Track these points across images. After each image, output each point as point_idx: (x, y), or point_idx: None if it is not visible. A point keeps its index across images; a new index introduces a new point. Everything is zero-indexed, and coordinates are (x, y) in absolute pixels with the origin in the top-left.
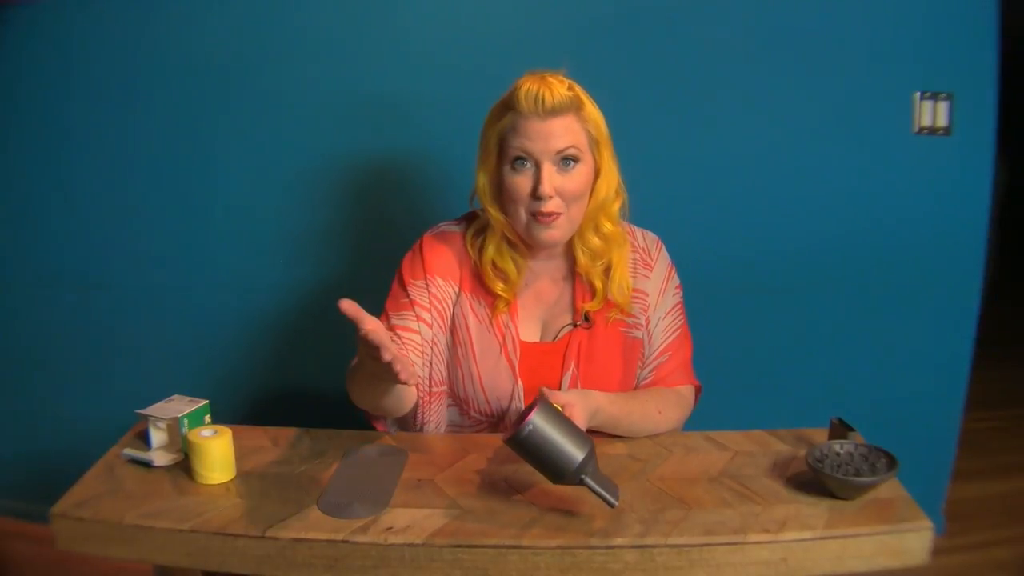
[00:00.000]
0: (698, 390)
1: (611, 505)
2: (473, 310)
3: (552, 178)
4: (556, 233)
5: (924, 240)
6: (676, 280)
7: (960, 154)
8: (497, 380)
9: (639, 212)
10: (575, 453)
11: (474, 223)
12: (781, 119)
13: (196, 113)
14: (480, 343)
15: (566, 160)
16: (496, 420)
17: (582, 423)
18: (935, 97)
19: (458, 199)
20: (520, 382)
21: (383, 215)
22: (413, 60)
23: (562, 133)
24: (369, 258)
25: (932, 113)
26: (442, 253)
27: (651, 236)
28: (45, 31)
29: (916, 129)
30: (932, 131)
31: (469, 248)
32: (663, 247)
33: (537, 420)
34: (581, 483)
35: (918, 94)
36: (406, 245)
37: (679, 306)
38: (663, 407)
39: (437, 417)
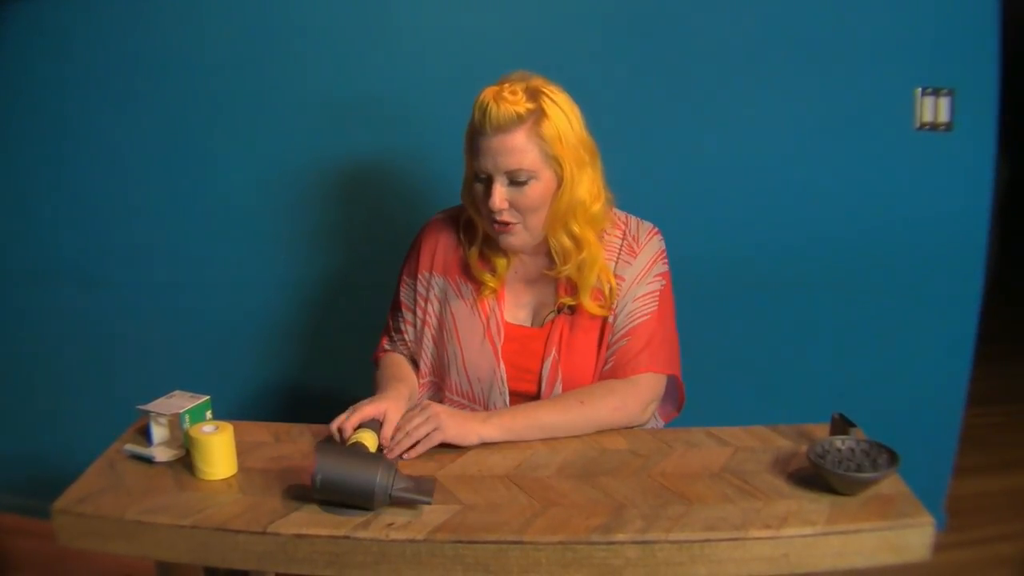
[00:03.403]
0: (679, 384)
1: (426, 503)
2: (460, 294)
3: (502, 193)
4: (514, 241)
5: (925, 236)
6: (660, 269)
7: (961, 150)
8: (480, 362)
9: (640, 209)
10: (368, 480)
11: (466, 212)
12: (782, 115)
13: (195, 111)
14: (464, 325)
15: (515, 180)
16: (478, 404)
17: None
18: (936, 93)
19: (453, 198)
20: (502, 365)
21: (381, 213)
22: (408, 60)
23: (509, 152)
24: (367, 255)
25: (933, 109)
26: (434, 245)
27: (646, 225)
28: (45, 28)
29: (917, 125)
30: (933, 127)
31: (462, 236)
32: (656, 236)
33: (322, 466)
34: (393, 500)
35: (919, 90)
36: (402, 242)
37: (656, 294)
38: (586, 398)
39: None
